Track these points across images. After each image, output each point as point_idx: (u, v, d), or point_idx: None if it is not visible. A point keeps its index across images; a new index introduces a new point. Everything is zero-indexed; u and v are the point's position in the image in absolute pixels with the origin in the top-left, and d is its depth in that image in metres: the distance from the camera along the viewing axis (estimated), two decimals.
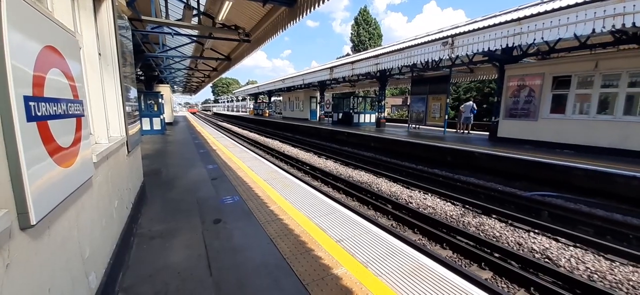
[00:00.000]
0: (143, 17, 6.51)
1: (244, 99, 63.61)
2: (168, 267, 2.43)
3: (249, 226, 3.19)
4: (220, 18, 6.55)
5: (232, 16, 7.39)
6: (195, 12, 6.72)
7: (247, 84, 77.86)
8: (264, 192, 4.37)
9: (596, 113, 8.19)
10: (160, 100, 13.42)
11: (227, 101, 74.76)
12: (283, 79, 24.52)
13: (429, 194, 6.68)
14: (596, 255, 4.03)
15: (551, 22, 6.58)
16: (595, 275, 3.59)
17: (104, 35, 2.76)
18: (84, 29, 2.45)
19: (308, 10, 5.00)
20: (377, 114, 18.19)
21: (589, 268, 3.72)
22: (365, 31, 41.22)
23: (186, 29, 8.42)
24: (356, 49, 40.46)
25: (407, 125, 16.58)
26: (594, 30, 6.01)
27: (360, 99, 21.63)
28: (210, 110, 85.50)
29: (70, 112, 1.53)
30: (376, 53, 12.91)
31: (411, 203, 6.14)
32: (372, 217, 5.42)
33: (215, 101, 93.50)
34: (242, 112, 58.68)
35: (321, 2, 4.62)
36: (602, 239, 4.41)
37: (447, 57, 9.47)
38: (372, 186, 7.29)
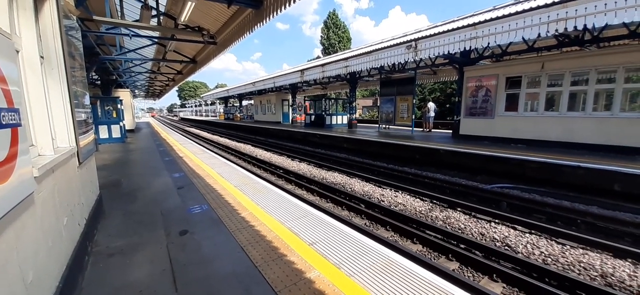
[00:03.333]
0: (95, 17, 6.03)
1: (213, 103, 61.48)
2: (128, 286, 2.25)
3: (219, 235, 3.06)
4: (182, 19, 6.26)
5: (195, 17, 7.11)
6: (154, 12, 6.36)
7: (216, 87, 75.31)
8: (234, 199, 4.23)
9: (544, 110, 9.03)
10: (119, 105, 12.50)
11: (195, 105, 71.74)
12: (254, 82, 24.08)
13: (400, 192, 6.91)
14: (549, 240, 4.41)
15: (502, 27, 7.16)
16: (549, 259, 3.92)
17: (48, 36, 2.50)
18: (24, 30, 2.20)
19: (275, 13, 4.95)
20: (348, 115, 18.51)
21: (543, 252, 4.06)
22: (334, 34, 41.83)
23: (146, 30, 7.95)
24: (326, 51, 40.90)
25: (377, 125, 17.07)
26: (539, 34, 6.63)
27: (332, 100, 21.91)
28: (177, 116, 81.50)
29: (4, 122, 1.36)
30: (345, 56, 13.16)
31: (383, 201, 6.31)
32: (346, 217, 5.48)
33: (182, 106, 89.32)
34: (211, 116, 56.60)
35: (287, 4, 4.60)
36: (553, 225, 4.85)
37: (412, 60, 9.91)
38: (346, 187, 7.38)
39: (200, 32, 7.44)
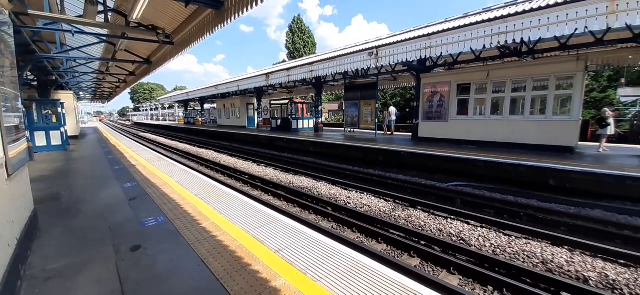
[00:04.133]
0: (31, 11, 5.32)
1: (171, 107, 57.93)
2: None
3: (177, 249, 2.86)
4: (135, 16, 5.79)
5: (149, 15, 6.63)
6: (101, 8, 5.80)
7: (175, 90, 71.06)
8: (195, 209, 3.99)
9: (490, 114, 9.96)
10: (60, 109, 11.15)
11: (151, 109, 66.86)
12: (216, 85, 23.15)
13: (365, 193, 7.10)
14: (497, 233, 4.83)
15: (453, 38, 7.78)
16: (498, 250, 4.30)
17: None
18: None
19: (236, 14, 4.81)
20: (314, 119, 18.65)
21: (493, 244, 4.44)
22: (300, 39, 42.01)
23: (92, 27, 7.21)
24: (292, 56, 40.90)
25: (343, 129, 17.41)
26: (484, 45, 7.33)
27: (298, 105, 21.90)
28: (129, 120, 75.21)
29: None
30: (311, 61, 13.27)
31: (349, 204, 6.43)
32: (313, 221, 5.47)
33: (136, 109, 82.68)
34: (169, 120, 53.23)
35: (249, 6, 4.50)
36: (500, 218, 5.33)
37: (374, 66, 10.31)
38: (313, 191, 7.39)
39: (154, 31, 6.95)
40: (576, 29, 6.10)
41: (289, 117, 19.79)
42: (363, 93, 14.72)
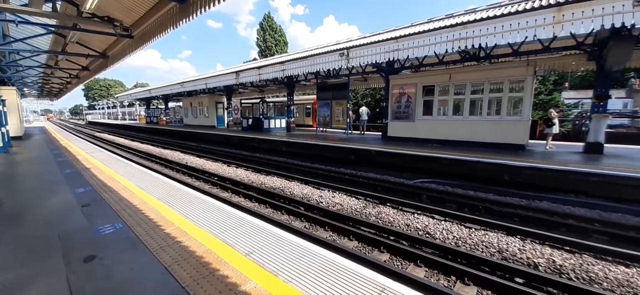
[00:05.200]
0: None
1: (131, 105, 54.16)
2: None
3: (137, 257, 2.68)
4: (88, 7, 5.32)
5: (105, 5, 6.12)
6: None
7: (136, 86, 66.43)
8: (158, 214, 3.76)
9: (452, 114, 10.59)
10: (0, 107, 9.90)
11: (108, 107, 61.91)
12: (182, 82, 22.03)
13: (337, 192, 7.19)
14: (459, 225, 5.14)
15: (419, 42, 8.16)
16: (460, 241, 4.58)
17: None
18: None
19: (202, 9, 4.62)
20: (287, 118, 18.50)
21: (455, 236, 4.72)
22: (271, 37, 41.41)
23: (39, 17, 6.49)
24: (263, 54, 40.20)
25: (315, 128, 17.47)
26: (447, 50, 7.77)
27: (271, 104, 21.61)
28: (83, 119, 69.02)
29: None
30: (282, 59, 13.15)
31: (322, 203, 6.47)
32: (285, 221, 5.43)
33: (91, 107, 76.07)
34: (129, 120, 49.70)
35: (216, 1, 4.34)
36: (462, 211, 5.69)
37: (345, 67, 10.48)
38: (285, 191, 7.33)
39: (111, 23, 6.43)
40: (526, 37, 6.71)
41: (261, 117, 19.44)
42: (335, 93, 14.90)
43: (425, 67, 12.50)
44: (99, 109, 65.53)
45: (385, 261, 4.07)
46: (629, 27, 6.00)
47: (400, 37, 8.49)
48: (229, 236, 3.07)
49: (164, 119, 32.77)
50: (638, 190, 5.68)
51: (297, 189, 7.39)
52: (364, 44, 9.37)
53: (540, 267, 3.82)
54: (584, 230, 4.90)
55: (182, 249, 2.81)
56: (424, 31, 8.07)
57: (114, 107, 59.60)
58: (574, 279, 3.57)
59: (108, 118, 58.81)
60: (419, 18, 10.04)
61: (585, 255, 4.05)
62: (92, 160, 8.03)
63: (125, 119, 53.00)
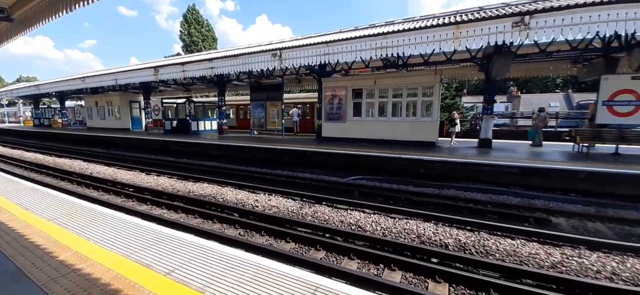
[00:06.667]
0: None
1: (12, 103, 43.10)
2: None
3: (19, 294, 2.11)
4: None
5: None
6: None
7: (19, 81, 53.02)
8: (48, 238, 3.05)
9: (378, 116, 11.58)
10: None
11: None
12: (84, 77, 18.48)
13: (273, 195, 7.07)
14: (386, 217, 5.62)
15: (347, 47, 8.67)
16: (386, 231, 5.00)
17: None
18: None
19: None
20: (218, 120, 17.36)
21: (382, 227, 5.14)
22: (197, 31, 38.32)
23: None
24: (188, 49, 36.90)
25: (249, 130, 16.84)
26: (371, 57, 8.45)
27: (200, 104, 19.92)
28: None
29: None
30: (211, 56, 12.28)
31: (257, 207, 6.26)
32: (217, 231, 5.06)
33: None
34: (9, 122, 39.54)
35: None
36: (387, 204, 6.25)
37: (278, 68, 10.41)
38: (217, 197, 6.85)
39: None
40: (434, 50, 7.79)
41: (188, 118, 17.74)
42: (269, 94, 14.66)
43: (354, 71, 13.34)
44: None
45: (321, 259, 4.17)
46: (508, 44, 7.55)
47: (331, 42, 8.88)
48: (146, 256, 2.68)
49: (59, 121, 26.95)
50: (516, 176, 7.18)
51: (231, 195, 6.99)
52: (296, 46, 9.47)
53: (449, 247, 4.46)
54: (481, 211, 5.93)
55: (81, 277, 2.33)
56: (352, 38, 8.61)
57: None
58: (474, 253, 4.28)
59: None
60: (350, 24, 10.73)
61: (482, 232, 4.88)
62: None
63: (4, 122, 41.79)
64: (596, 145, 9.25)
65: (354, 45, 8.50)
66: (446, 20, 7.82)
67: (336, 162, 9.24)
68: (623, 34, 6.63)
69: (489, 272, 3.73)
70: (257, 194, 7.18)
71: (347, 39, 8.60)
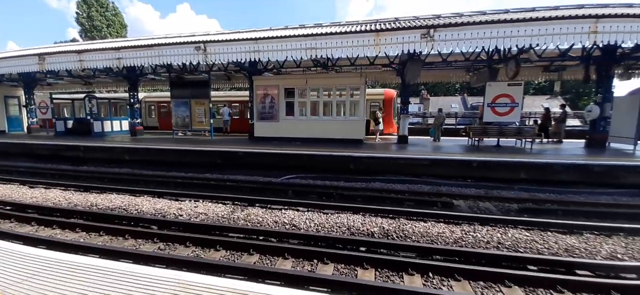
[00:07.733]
0: None
1: None
2: None
3: None
4: None
5: None
6: None
7: None
8: None
9: (310, 115, 11.85)
10: None
11: None
12: None
13: (201, 201, 6.52)
14: (319, 213, 5.79)
15: (277, 46, 8.60)
16: (320, 227, 5.15)
17: None
18: None
19: None
20: (130, 119, 15.07)
21: (316, 223, 5.26)
22: (100, 15, 32.46)
23: None
24: (89, 35, 31.00)
25: (172, 131, 15.13)
26: (302, 57, 8.58)
27: (105, 101, 16.94)
28: None
29: None
30: (118, 45, 10.55)
31: (182, 215, 5.69)
32: (129, 249, 4.40)
33: None
34: None
35: None
36: (321, 200, 6.45)
37: (204, 63, 9.65)
38: (130, 210, 5.96)
39: None
40: (358, 54, 8.38)
41: (89, 117, 14.87)
42: (193, 91, 13.43)
43: (286, 70, 13.32)
44: None
45: (254, 263, 4.04)
46: (418, 53, 8.62)
47: (260, 39, 8.66)
48: (25, 290, 2.14)
49: None
50: (427, 167, 8.30)
51: (148, 205, 6.17)
52: (223, 40, 8.91)
53: (375, 235, 4.88)
54: (400, 200, 6.65)
55: None
56: (282, 37, 8.58)
57: None
58: (395, 238, 4.78)
59: None
60: (282, 22, 10.67)
61: (401, 219, 5.47)
62: None
63: None
64: (484, 139, 11.41)
65: (285, 44, 8.49)
66: (368, 28, 8.49)
67: (270, 162, 9.10)
68: (501, 49, 8.36)
69: (407, 253, 4.22)
70: (181, 201, 6.52)
71: (277, 37, 8.52)
